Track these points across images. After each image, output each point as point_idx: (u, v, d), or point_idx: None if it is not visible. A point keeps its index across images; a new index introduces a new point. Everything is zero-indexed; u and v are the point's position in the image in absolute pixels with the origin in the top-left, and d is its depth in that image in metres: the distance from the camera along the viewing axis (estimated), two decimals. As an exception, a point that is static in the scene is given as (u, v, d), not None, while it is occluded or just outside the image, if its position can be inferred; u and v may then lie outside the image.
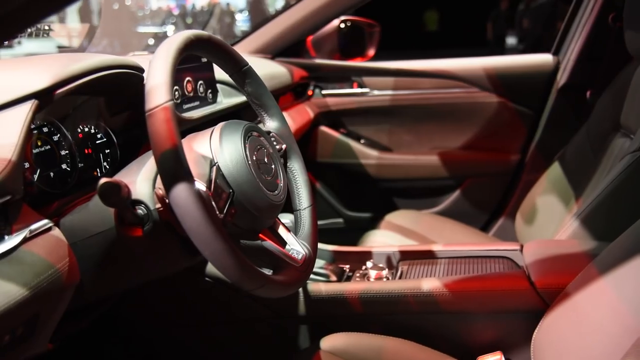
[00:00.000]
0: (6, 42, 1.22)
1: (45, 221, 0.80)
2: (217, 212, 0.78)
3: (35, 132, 0.96)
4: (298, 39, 2.18)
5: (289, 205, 1.09)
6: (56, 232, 0.81)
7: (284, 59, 2.19)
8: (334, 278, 1.39)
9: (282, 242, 0.95)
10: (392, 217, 2.01)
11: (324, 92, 2.32)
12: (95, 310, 1.03)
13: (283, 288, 0.85)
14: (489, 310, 1.20)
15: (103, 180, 0.71)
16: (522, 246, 1.36)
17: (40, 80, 0.83)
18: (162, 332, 1.36)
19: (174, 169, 0.71)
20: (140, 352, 1.38)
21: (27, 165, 0.93)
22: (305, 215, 1.04)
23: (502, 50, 10.50)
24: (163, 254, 0.85)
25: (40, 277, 0.73)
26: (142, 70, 1.05)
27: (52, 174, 0.98)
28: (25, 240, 0.75)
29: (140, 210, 0.81)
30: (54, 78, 0.84)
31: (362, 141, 2.33)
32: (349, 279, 1.40)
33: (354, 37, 2.38)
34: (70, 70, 0.87)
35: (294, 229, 1.03)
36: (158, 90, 0.74)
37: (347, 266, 1.46)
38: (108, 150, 1.14)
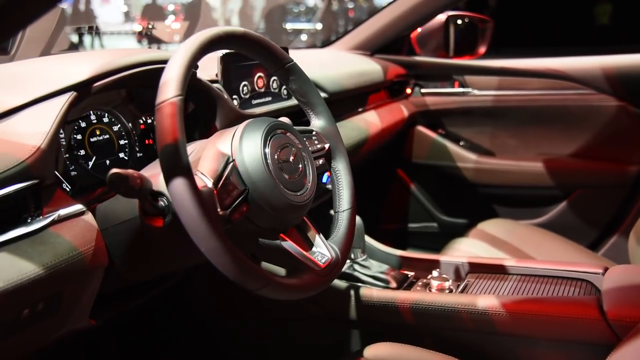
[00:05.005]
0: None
1: (78, 206, 0.85)
2: (219, 209, 0.78)
3: (94, 122, 1.03)
4: (397, 36, 2.12)
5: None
6: (88, 217, 0.86)
7: (383, 55, 2.14)
8: (393, 284, 1.34)
9: (309, 244, 0.93)
10: (486, 226, 1.88)
11: (423, 90, 2.24)
12: (142, 293, 1.08)
13: (293, 291, 0.83)
14: (552, 337, 1.08)
15: (112, 170, 0.74)
16: (605, 269, 1.21)
17: (80, 73, 0.88)
18: (214, 321, 1.40)
19: (173, 163, 0.72)
20: (192, 337, 1.44)
21: (82, 152, 1.00)
22: (343, 218, 1.00)
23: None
24: (183, 245, 0.87)
25: (60, 258, 0.78)
26: (195, 66, 1.07)
27: (108, 162, 1.05)
28: (53, 222, 0.80)
29: (162, 202, 0.83)
30: (94, 71, 0.89)
31: (462, 143, 2.21)
32: (410, 286, 1.34)
33: (464, 34, 2.26)
34: (112, 64, 0.92)
35: (331, 231, 1.00)
36: (168, 85, 0.75)
37: (412, 273, 1.40)
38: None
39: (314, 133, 1.03)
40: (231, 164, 0.82)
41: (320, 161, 1.03)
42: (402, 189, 2.31)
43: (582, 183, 2.03)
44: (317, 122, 1.05)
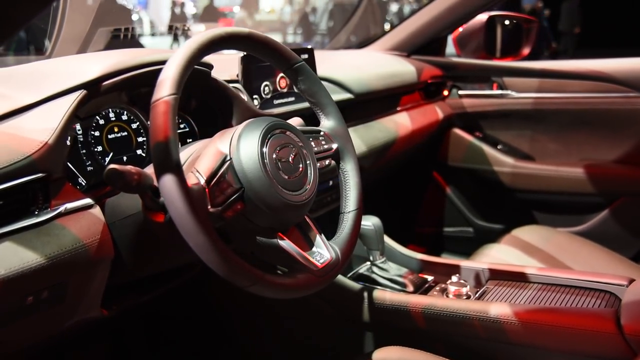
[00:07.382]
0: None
1: (86, 200, 0.89)
2: (209, 206, 0.79)
3: (113, 119, 1.07)
4: (435, 37, 2.10)
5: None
6: (96, 210, 0.90)
7: (419, 56, 2.11)
8: (410, 288, 1.32)
9: (309, 244, 0.93)
10: (522, 232, 1.82)
11: (460, 92, 2.19)
12: (156, 286, 1.11)
13: (286, 289, 0.83)
14: (566, 349, 1.04)
15: (110, 166, 0.76)
16: (630, 281, 1.15)
17: (91, 71, 0.92)
18: (226, 318, 1.42)
19: (163, 160, 0.74)
20: (207, 332, 1.47)
21: (99, 148, 1.04)
22: (348, 219, 1.00)
23: None
24: (184, 241, 0.89)
25: (63, 249, 0.81)
26: (210, 66, 1.09)
27: (125, 158, 1.08)
28: (59, 215, 0.84)
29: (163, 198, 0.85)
30: (104, 70, 0.93)
31: (499, 147, 2.15)
32: (428, 291, 1.32)
33: (507, 34, 2.20)
34: (122, 64, 0.95)
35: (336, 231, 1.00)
36: (163, 84, 0.77)
37: (431, 278, 1.38)
38: (190, 140, 1.22)
39: (321, 133, 1.03)
40: (228, 162, 0.83)
41: (327, 161, 1.03)
42: (437, 192, 2.27)
43: (626, 190, 1.94)
44: (326, 123, 1.05)
